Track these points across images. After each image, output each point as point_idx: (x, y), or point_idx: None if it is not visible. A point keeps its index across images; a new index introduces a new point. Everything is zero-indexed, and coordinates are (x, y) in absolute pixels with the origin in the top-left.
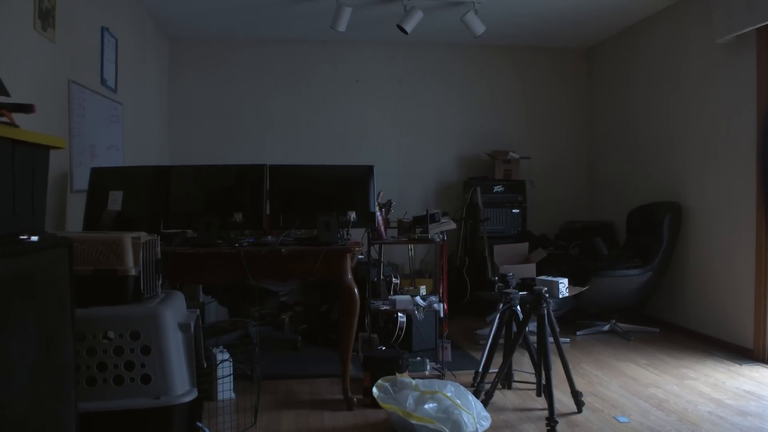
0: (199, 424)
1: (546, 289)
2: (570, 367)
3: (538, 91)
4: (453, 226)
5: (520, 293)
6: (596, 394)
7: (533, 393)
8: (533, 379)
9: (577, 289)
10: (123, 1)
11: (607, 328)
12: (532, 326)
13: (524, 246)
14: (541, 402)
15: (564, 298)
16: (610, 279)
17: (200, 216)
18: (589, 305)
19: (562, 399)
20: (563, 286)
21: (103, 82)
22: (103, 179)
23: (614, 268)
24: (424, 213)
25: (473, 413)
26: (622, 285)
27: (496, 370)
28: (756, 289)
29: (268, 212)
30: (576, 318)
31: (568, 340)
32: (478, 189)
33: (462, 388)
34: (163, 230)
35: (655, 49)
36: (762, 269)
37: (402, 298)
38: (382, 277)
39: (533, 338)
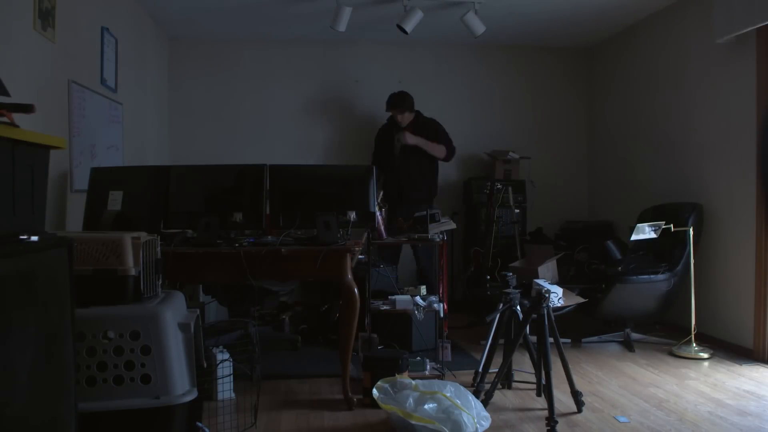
0: (199, 424)
1: (546, 289)
2: (570, 367)
3: (538, 91)
4: (453, 226)
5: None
6: (596, 394)
7: (533, 393)
8: (533, 379)
9: (577, 299)
10: (123, 1)
11: (619, 338)
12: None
13: (549, 248)
14: (541, 402)
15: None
16: (634, 285)
17: (200, 216)
18: (608, 315)
19: (562, 399)
20: (555, 296)
21: (103, 81)
22: (103, 179)
23: (639, 272)
24: (424, 213)
25: (473, 413)
26: (645, 292)
27: (496, 370)
28: (756, 289)
29: (268, 212)
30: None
31: (568, 340)
32: (509, 189)
33: (462, 388)
34: (163, 230)
35: (656, 49)
36: (762, 268)
37: (402, 298)
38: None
39: (533, 338)
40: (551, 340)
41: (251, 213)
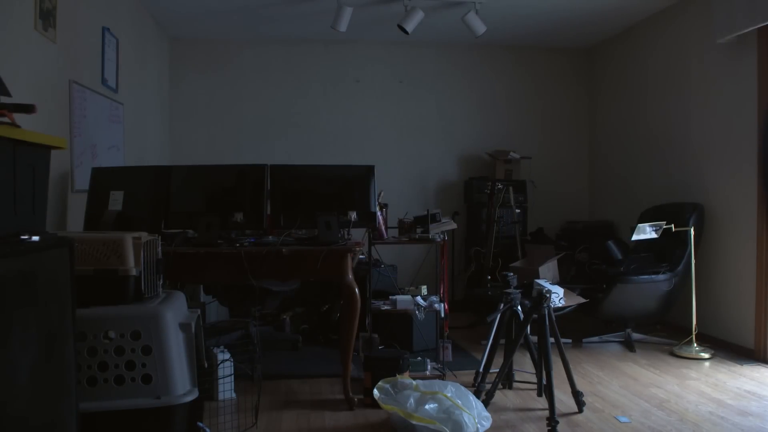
0: (200, 424)
1: (547, 289)
2: (571, 367)
3: (539, 91)
4: (454, 226)
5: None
6: (597, 394)
7: (534, 393)
8: (534, 379)
9: (578, 300)
10: (124, 2)
11: (620, 338)
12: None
13: (550, 248)
14: (542, 402)
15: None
16: (635, 285)
17: (201, 216)
18: (609, 315)
19: (563, 399)
20: (557, 296)
21: (103, 82)
22: (104, 179)
23: (640, 273)
24: (425, 213)
25: (474, 413)
26: (646, 292)
27: (497, 370)
28: (757, 289)
29: (268, 212)
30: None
31: (569, 340)
32: (510, 189)
33: (462, 388)
34: (163, 230)
35: (656, 49)
36: (763, 269)
37: (403, 298)
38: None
39: (534, 338)
40: (552, 340)
41: (252, 213)
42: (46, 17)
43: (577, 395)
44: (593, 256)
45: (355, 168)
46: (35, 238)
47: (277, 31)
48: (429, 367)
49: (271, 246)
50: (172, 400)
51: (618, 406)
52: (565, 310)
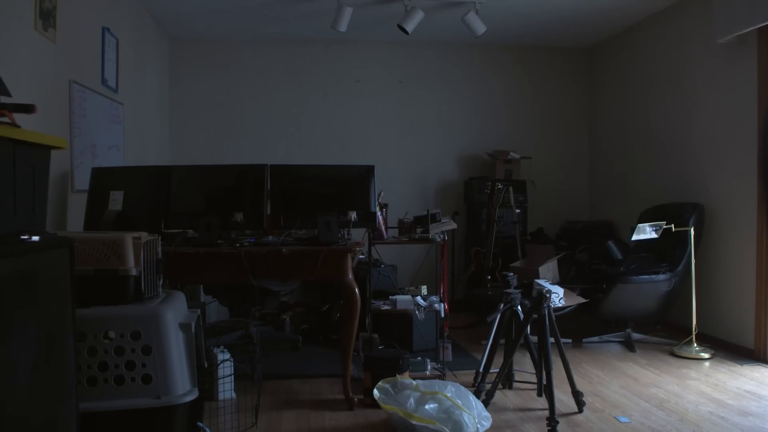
0: (200, 424)
1: (547, 289)
2: (571, 367)
3: (539, 91)
4: (454, 226)
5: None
6: (597, 394)
7: (534, 393)
8: (534, 379)
9: (578, 300)
10: (124, 1)
11: (620, 338)
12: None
13: (550, 248)
14: (542, 402)
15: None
16: (635, 285)
17: (201, 216)
18: (609, 315)
19: (563, 399)
20: (557, 296)
21: (103, 82)
22: (104, 179)
23: (640, 273)
24: (425, 213)
25: (474, 413)
26: (646, 292)
27: (497, 370)
28: (757, 289)
29: (268, 212)
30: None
31: (569, 340)
32: (510, 188)
33: (462, 388)
34: (163, 230)
35: (656, 49)
36: (763, 269)
37: (403, 298)
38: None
39: (534, 338)
40: (552, 340)
41: (252, 213)
42: (46, 17)
43: (577, 395)
44: (593, 256)
45: (355, 168)
46: (35, 238)
47: (277, 31)
48: (429, 367)
49: (271, 246)
50: (172, 400)
51: (618, 406)
52: (565, 310)
